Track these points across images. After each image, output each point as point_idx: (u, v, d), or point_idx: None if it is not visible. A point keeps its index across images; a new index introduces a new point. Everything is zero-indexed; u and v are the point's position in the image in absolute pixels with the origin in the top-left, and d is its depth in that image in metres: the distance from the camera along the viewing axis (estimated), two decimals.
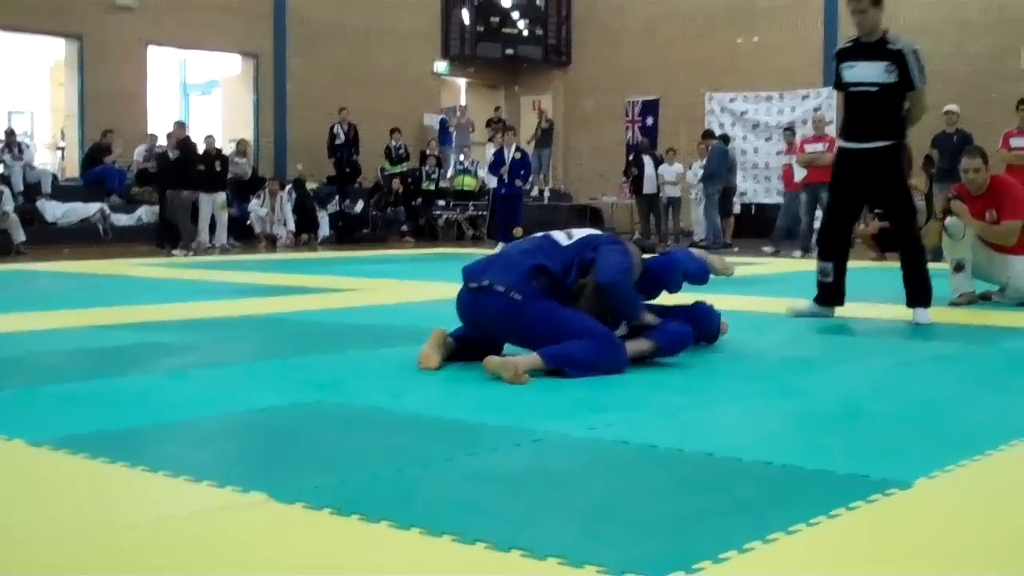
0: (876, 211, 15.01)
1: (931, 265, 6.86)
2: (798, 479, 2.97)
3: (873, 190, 6.90)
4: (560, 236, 5.11)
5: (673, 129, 22.77)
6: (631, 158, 20.62)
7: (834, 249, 6.93)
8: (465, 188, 22.21)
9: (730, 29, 23.05)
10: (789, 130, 18.19)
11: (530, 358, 4.60)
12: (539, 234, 5.21)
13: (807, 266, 12.94)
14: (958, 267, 7.91)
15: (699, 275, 5.44)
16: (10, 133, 18.68)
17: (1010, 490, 2.95)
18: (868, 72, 6.68)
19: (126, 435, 3.51)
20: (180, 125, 18.30)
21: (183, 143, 16.85)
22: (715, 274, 5.61)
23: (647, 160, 19.38)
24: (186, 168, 16.51)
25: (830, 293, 6.95)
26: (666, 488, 2.92)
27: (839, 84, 6.95)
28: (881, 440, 3.48)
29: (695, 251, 5.79)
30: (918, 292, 6.75)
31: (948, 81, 20.26)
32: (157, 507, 2.73)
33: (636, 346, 4.88)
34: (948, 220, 7.96)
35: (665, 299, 5.42)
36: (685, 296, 5.55)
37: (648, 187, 19.23)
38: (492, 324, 4.88)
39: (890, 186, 6.80)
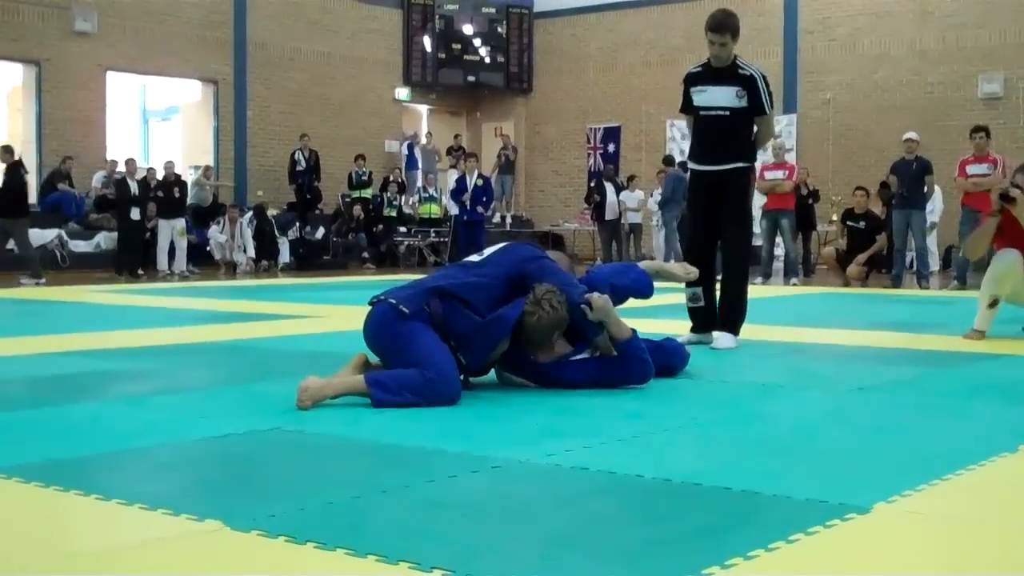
0: (848, 222, 15.16)
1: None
2: (756, 504, 2.96)
3: (718, 209, 6.83)
4: (472, 257, 5.17)
5: (635, 156, 22.89)
6: (593, 184, 20.68)
7: (701, 272, 6.58)
8: (431, 216, 22.22)
9: (690, 57, 23.06)
10: (779, 143, 18.21)
11: (349, 380, 4.59)
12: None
13: (767, 292, 13.02)
14: (993, 303, 7.27)
15: (634, 288, 5.44)
16: None
17: (968, 514, 2.95)
18: (719, 96, 6.80)
19: (79, 463, 3.46)
20: (6, 149, 15.54)
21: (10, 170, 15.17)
22: (676, 281, 5.64)
23: (609, 187, 19.45)
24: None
25: (704, 318, 6.91)
26: (625, 515, 2.91)
27: (687, 108, 7.02)
28: (839, 465, 3.48)
29: (643, 263, 5.79)
30: (731, 316, 6.80)
31: (907, 109, 20.52)
32: (110, 535, 2.69)
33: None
34: (1007, 250, 7.34)
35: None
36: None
37: (610, 214, 19.28)
38: (374, 338, 4.76)
39: (733, 207, 6.82)
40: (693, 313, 6.96)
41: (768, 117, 6.92)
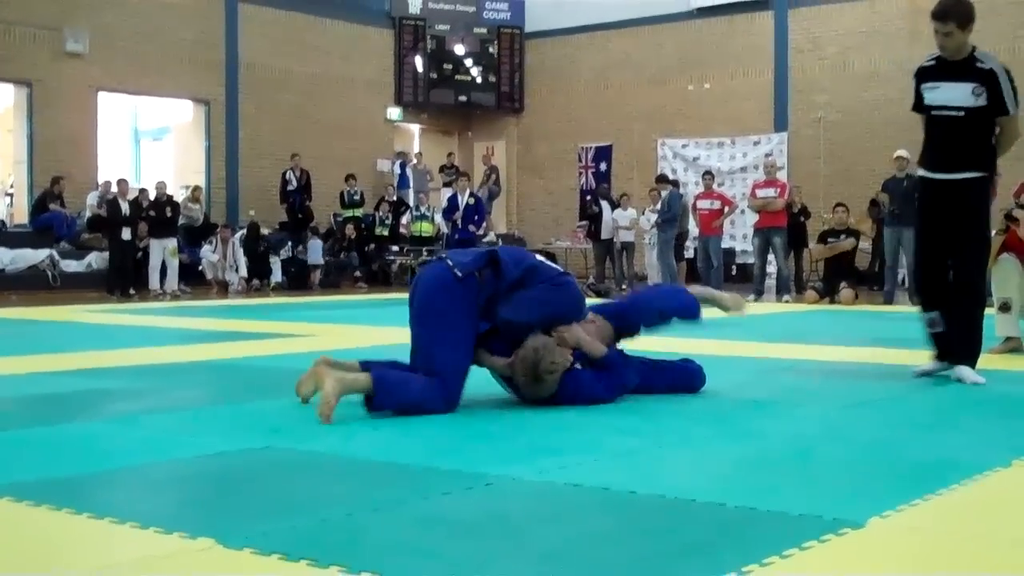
0: (829, 240, 15.21)
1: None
2: (751, 520, 2.96)
3: (950, 224, 5.99)
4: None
5: (626, 175, 22.92)
6: (588, 198, 20.67)
7: (936, 294, 6.02)
8: (423, 235, 22.23)
9: (681, 76, 23.26)
10: (708, 173, 18.26)
11: (358, 378, 4.65)
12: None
13: (760, 309, 13.02)
14: (1004, 307, 7.40)
15: (683, 313, 5.42)
16: None
17: (962, 529, 2.95)
18: (952, 94, 5.99)
19: (71, 482, 3.45)
20: None
21: None
22: (723, 310, 5.62)
23: (604, 205, 19.42)
24: None
25: (948, 344, 6.03)
26: (619, 531, 2.90)
27: (918, 106, 6.20)
28: (834, 480, 3.48)
29: (693, 288, 5.72)
30: (966, 348, 5.99)
31: (897, 127, 20.51)
32: (103, 554, 2.68)
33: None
34: (1003, 255, 7.50)
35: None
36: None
37: (606, 232, 19.25)
38: (422, 297, 4.82)
39: (967, 222, 5.98)
40: (936, 339, 6.08)
41: (1013, 117, 5.94)
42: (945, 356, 6.03)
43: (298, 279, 19.82)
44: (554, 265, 5.28)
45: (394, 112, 24.79)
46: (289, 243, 20.56)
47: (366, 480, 3.49)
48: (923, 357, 6.23)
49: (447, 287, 4.74)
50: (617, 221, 19.28)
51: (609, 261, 19.55)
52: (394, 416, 4.67)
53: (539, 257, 5.22)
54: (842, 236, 15.04)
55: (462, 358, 4.77)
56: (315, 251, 20.48)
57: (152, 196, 17.93)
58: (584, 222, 22.79)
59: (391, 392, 4.65)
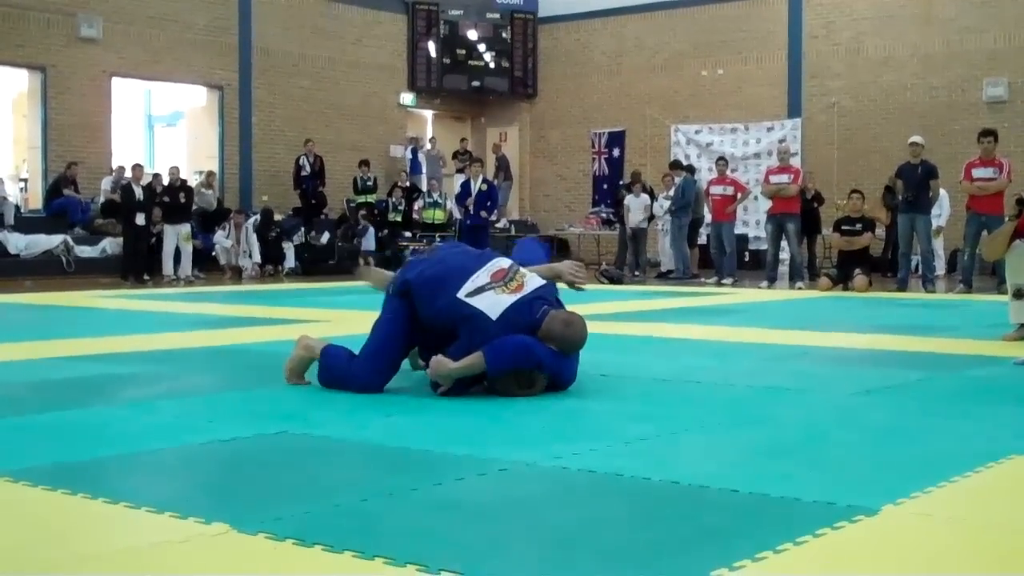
0: (844, 227, 15.14)
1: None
2: (764, 507, 2.96)
3: None
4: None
5: (639, 161, 22.88)
6: (622, 183, 20.51)
7: None
8: (435, 222, 22.23)
9: (695, 62, 23.20)
10: (722, 159, 18.19)
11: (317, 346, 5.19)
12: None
13: (773, 296, 13.02)
14: (1018, 293, 7.39)
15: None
16: None
17: (976, 517, 2.95)
18: None
19: (86, 466, 3.47)
20: None
21: None
22: (568, 283, 5.42)
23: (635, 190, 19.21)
24: None
25: None
26: (632, 517, 2.90)
27: None
28: (847, 468, 3.48)
29: (538, 268, 5.34)
30: None
31: (911, 113, 20.51)
32: (117, 538, 2.69)
33: (467, 361, 4.79)
34: (1016, 242, 7.44)
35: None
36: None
37: (634, 220, 19.02)
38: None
39: None
40: None
41: None
42: None
43: (312, 264, 19.82)
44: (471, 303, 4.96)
45: (407, 97, 24.77)
46: (302, 229, 20.57)
47: (380, 466, 3.50)
48: (932, 344, 6.22)
49: (386, 299, 5.21)
50: (629, 207, 19.23)
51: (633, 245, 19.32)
52: (407, 403, 4.69)
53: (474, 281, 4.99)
54: (857, 225, 14.96)
55: (382, 342, 5.07)
56: (369, 239, 20.57)
57: (166, 182, 17.94)
58: (597, 208, 22.78)
59: (328, 364, 5.11)
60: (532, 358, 4.78)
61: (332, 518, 2.83)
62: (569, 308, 5.08)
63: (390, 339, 5.08)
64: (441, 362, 4.78)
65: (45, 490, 3.11)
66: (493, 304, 4.84)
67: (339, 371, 5.07)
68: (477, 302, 4.85)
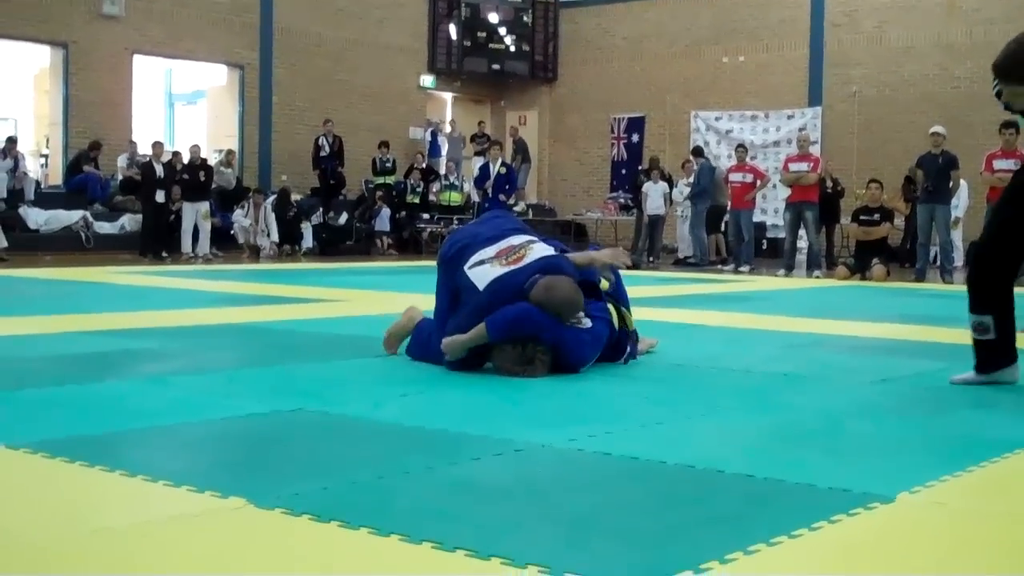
0: (862, 217, 15.09)
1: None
2: (780, 492, 2.96)
3: None
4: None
5: (658, 147, 22.84)
6: (640, 168, 20.44)
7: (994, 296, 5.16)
8: (452, 204, 22.24)
9: (716, 48, 23.14)
10: (741, 147, 18.15)
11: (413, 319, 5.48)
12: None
13: (790, 284, 12.99)
14: None
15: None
16: (11, 140, 18.54)
17: (992, 506, 2.95)
18: None
19: (104, 439, 3.49)
20: None
21: None
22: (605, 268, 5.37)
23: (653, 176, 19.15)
24: None
25: (993, 353, 5.06)
26: (647, 499, 2.91)
27: None
28: (863, 455, 3.48)
29: (574, 255, 5.33)
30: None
31: (933, 103, 20.43)
32: (135, 511, 2.71)
33: (473, 332, 4.84)
34: None
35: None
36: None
37: (652, 207, 18.95)
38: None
39: None
40: (978, 347, 5.10)
41: None
42: (991, 366, 5.05)
43: (330, 244, 19.87)
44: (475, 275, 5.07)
45: (427, 79, 24.76)
46: (320, 209, 20.61)
47: (397, 444, 3.51)
48: (949, 334, 6.19)
49: (438, 264, 5.36)
50: (648, 194, 19.18)
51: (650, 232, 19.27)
52: (424, 383, 4.70)
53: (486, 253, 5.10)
54: (875, 215, 14.92)
55: (439, 315, 5.23)
56: (383, 220, 20.62)
57: (186, 159, 17.99)
58: (615, 194, 22.72)
59: (416, 339, 5.34)
60: (530, 325, 4.81)
61: (349, 495, 2.84)
62: None
63: (443, 312, 5.21)
64: (451, 341, 4.90)
65: (63, 462, 3.12)
66: (483, 275, 4.96)
67: (422, 347, 5.27)
68: (472, 273, 5.00)
